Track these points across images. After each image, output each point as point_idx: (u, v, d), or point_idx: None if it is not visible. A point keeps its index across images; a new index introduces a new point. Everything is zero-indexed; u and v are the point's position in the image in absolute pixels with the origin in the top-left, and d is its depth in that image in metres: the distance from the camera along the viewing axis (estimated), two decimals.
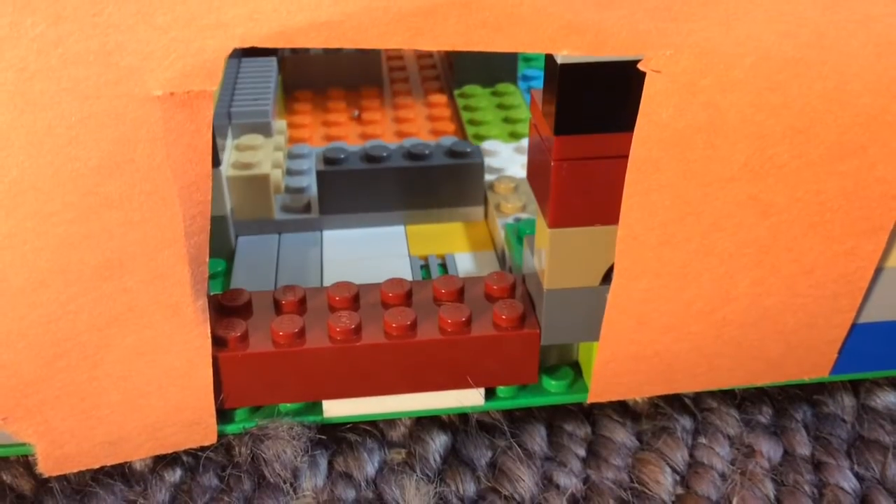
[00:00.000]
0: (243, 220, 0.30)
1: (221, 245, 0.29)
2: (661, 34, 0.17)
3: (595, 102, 0.19)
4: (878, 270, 0.22)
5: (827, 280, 0.21)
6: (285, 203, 0.31)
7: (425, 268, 0.28)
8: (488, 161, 0.32)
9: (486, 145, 0.34)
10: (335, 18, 0.17)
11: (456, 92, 0.39)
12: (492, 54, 0.38)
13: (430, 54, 0.44)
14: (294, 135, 0.37)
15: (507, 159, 0.33)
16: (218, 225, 0.28)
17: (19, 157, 0.17)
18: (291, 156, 0.34)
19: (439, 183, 0.30)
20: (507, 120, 0.37)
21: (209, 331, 0.21)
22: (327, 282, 0.27)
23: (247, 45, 0.17)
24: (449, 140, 0.32)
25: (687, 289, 0.21)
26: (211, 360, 0.21)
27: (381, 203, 0.30)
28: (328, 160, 0.29)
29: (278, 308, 0.23)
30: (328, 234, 0.30)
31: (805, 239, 0.20)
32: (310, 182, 0.32)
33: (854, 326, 0.23)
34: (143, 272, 0.19)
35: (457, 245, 0.29)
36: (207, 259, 0.20)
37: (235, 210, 0.30)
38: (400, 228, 0.30)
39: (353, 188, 0.30)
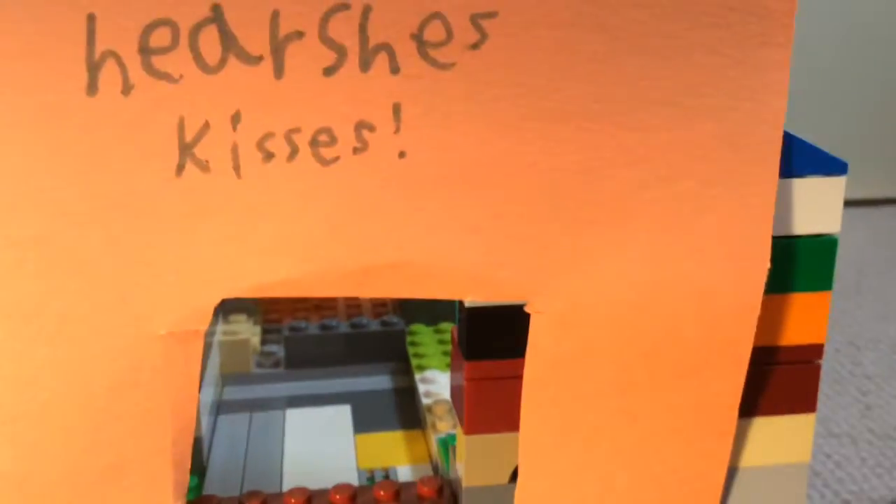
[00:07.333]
0: (229, 374, 0.40)
1: (194, 463, 0.33)
2: (539, 286, 0.24)
3: (496, 335, 0.25)
4: (734, 469, 0.27)
5: (691, 477, 0.26)
6: (260, 361, 0.41)
7: (371, 478, 0.33)
8: (428, 388, 0.37)
9: (427, 374, 0.39)
10: (299, 276, 0.23)
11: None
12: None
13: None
14: (268, 316, 0.46)
15: (444, 386, 0.38)
16: (193, 444, 0.33)
17: (52, 382, 0.22)
18: (265, 329, 0.44)
19: (373, 342, 0.41)
20: (445, 353, 0.43)
21: None
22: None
23: (233, 296, 0.22)
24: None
25: (578, 485, 0.26)
26: None
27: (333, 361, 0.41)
28: (293, 329, 0.41)
29: None
30: (289, 441, 0.35)
31: (667, 442, 0.26)
32: (279, 347, 0.42)
33: None
34: (137, 476, 0.24)
35: (399, 458, 0.34)
36: (189, 465, 0.25)
37: (223, 365, 0.39)
38: (350, 439, 0.35)
39: (314, 349, 0.40)
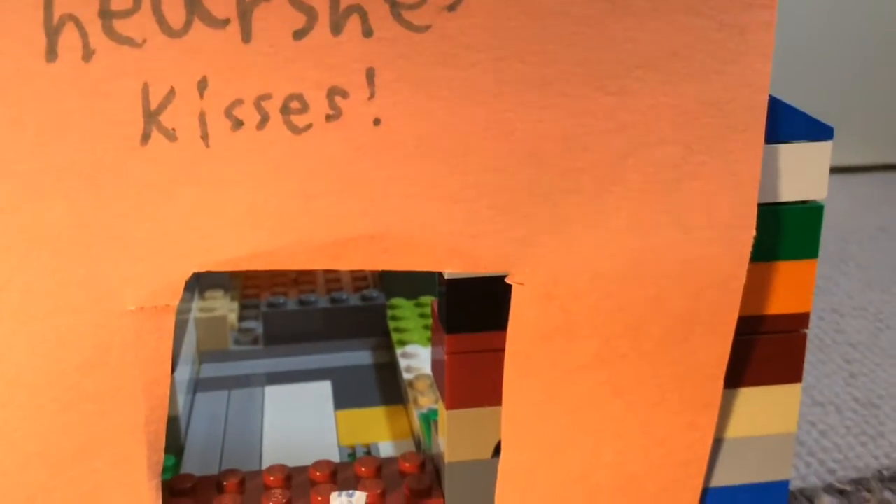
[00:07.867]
0: (206, 351, 0.39)
1: (172, 442, 0.32)
2: (520, 257, 0.23)
3: (477, 307, 0.25)
4: (719, 440, 0.27)
5: (676, 449, 0.26)
6: (238, 338, 0.40)
7: (352, 455, 0.32)
8: (409, 362, 0.37)
9: (408, 349, 0.39)
10: (272, 249, 0.22)
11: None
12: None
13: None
14: (246, 292, 0.45)
15: (425, 360, 0.38)
16: (170, 424, 0.32)
17: (18, 359, 0.21)
18: (243, 305, 0.43)
19: (353, 316, 0.40)
20: (426, 327, 0.42)
21: None
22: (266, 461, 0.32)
23: (204, 269, 0.22)
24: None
25: (562, 459, 0.25)
26: None
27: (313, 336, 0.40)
28: (272, 304, 0.40)
29: (220, 489, 0.27)
30: (268, 418, 0.35)
31: (652, 414, 0.25)
32: (257, 323, 0.41)
33: (706, 490, 0.27)
34: (110, 455, 0.23)
35: (380, 434, 0.33)
36: (163, 444, 0.24)
37: (200, 342, 0.38)
38: (331, 416, 0.35)
39: (293, 324, 0.40)
